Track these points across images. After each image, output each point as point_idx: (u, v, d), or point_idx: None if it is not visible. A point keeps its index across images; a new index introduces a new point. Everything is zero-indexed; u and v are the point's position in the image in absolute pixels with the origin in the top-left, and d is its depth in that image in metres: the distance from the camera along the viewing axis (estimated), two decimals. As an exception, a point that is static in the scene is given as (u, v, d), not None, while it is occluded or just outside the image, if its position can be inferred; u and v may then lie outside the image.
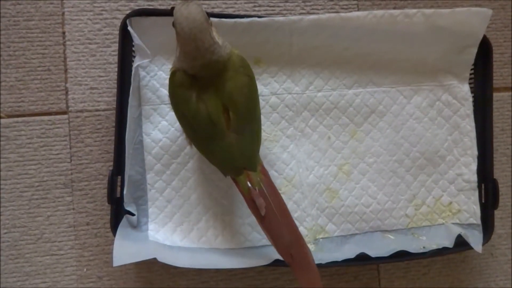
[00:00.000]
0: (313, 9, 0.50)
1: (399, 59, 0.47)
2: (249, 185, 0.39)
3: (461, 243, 0.45)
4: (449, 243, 0.45)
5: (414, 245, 0.45)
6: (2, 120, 0.46)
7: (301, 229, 0.46)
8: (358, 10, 0.50)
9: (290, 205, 0.46)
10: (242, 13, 0.48)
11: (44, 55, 0.46)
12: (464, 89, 0.49)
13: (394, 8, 0.49)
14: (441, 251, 0.45)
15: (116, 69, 0.46)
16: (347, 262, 0.43)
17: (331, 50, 0.46)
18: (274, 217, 0.39)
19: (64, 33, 0.47)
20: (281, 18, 0.44)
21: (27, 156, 0.46)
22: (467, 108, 0.48)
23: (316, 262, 0.42)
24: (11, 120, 0.46)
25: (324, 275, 0.48)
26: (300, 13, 0.49)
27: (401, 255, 0.44)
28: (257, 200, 0.38)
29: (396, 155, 0.48)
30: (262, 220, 0.39)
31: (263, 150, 0.46)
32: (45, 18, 0.47)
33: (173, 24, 0.34)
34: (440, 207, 0.48)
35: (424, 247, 0.45)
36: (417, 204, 0.48)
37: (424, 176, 0.48)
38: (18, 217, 0.46)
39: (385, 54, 0.47)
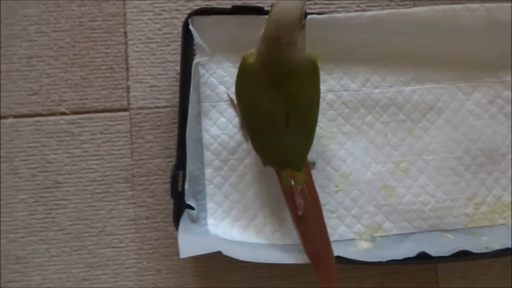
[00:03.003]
0: (368, 6, 0.50)
1: (459, 55, 0.47)
2: (292, 183, 0.40)
3: (525, 244, 0.43)
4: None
5: (475, 245, 0.44)
6: (68, 117, 0.48)
7: (358, 226, 0.46)
8: (415, 6, 0.50)
9: (347, 202, 0.46)
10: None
11: (107, 54, 0.48)
12: (527, 85, 0.47)
13: (452, 3, 0.48)
14: (505, 252, 0.43)
15: (175, 67, 0.48)
16: (407, 260, 0.42)
17: (388, 46, 0.46)
18: (309, 219, 0.40)
19: (126, 33, 0.48)
20: (340, 15, 0.44)
21: (90, 152, 0.48)
22: (530, 104, 0.47)
23: (375, 260, 0.42)
24: (75, 116, 0.48)
25: (380, 273, 0.47)
26: (355, 10, 0.49)
27: (462, 255, 0.43)
28: (297, 199, 0.39)
29: (455, 153, 0.47)
30: (298, 219, 0.40)
31: (319, 147, 0.46)
32: (108, 18, 0.48)
33: (272, 5, 0.35)
34: (501, 206, 0.47)
35: (486, 247, 0.44)
36: (477, 203, 0.47)
37: (484, 174, 0.47)
38: (81, 210, 0.47)
39: (444, 50, 0.46)
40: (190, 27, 0.42)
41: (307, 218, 0.40)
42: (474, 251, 0.43)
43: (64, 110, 0.48)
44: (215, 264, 0.47)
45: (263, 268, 0.47)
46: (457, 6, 0.44)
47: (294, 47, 0.35)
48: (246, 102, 0.39)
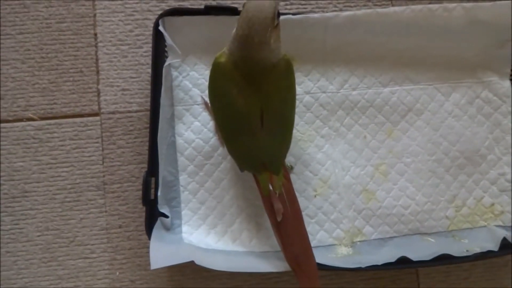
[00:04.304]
0: (345, 6, 0.49)
1: (437, 55, 0.46)
2: (270, 187, 0.39)
3: (505, 246, 0.42)
4: (493, 246, 0.43)
5: (456, 248, 0.43)
6: (35, 123, 0.46)
7: (338, 231, 0.45)
8: (393, 6, 0.49)
9: (326, 207, 0.45)
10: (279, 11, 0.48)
11: (76, 57, 0.46)
12: (505, 86, 0.47)
13: (430, 3, 0.47)
14: (486, 255, 0.42)
15: (148, 70, 0.46)
16: (387, 265, 0.41)
17: (366, 47, 0.45)
18: (289, 224, 0.39)
19: (96, 34, 0.47)
20: (316, 15, 0.43)
21: (59, 159, 0.46)
22: (509, 105, 0.47)
23: (355, 266, 0.41)
24: (43, 122, 0.46)
25: (361, 279, 0.46)
26: (333, 11, 0.48)
27: (443, 259, 0.42)
28: (276, 204, 0.38)
29: (435, 155, 0.46)
30: (277, 224, 0.39)
31: (297, 151, 0.45)
32: (77, 20, 0.47)
33: (244, 4, 0.34)
34: (482, 208, 0.46)
35: (467, 250, 0.43)
36: (458, 206, 0.46)
37: (464, 176, 0.46)
38: (51, 219, 0.45)
39: (422, 50, 0.46)
40: (160, 28, 0.41)
41: (286, 224, 0.39)
42: (455, 254, 0.42)
43: (31, 115, 0.46)
44: (191, 273, 0.45)
45: (241, 276, 0.45)
46: (434, 6, 0.43)
47: (267, 47, 0.34)
48: (219, 103, 0.38)
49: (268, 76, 0.36)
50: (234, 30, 0.35)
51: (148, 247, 0.39)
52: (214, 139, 0.45)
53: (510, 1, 0.43)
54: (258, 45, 0.33)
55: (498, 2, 0.43)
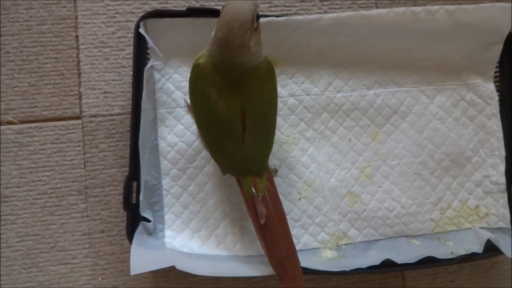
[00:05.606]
0: (330, 8, 0.49)
1: (421, 58, 0.46)
2: (253, 190, 0.38)
3: (491, 248, 0.42)
4: (478, 248, 0.43)
5: (441, 251, 0.43)
6: (15, 126, 0.45)
7: (323, 235, 0.44)
8: (377, 8, 0.49)
9: (311, 210, 0.44)
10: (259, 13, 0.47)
11: (57, 59, 0.46)
12: (490, 88, 0.47)
13: (414, 5, 0.47)
14: (471, 257, 0.42)
15: (130, 73, 0.46)
16: (372, 269, 0.41)
17: (350, 50, 0.45)
18: (273, 228, 0.38)
19: (77, 37, 0.46)
20: (299, 17, 0.43)
21: (40, 163, 0.45)
22: (493, 107, 0.47)
23: (340, 269, 0.41)
24: (24, 126, 0.45)
25: (347, 282, 0.46)
26: (318, 13, 0.48)
27: (428, 261, 0.42)
28: (259, 207, 0.38)
29: (420, 157, 0.46)
30: (261, 228, 0.39)
31: (281, 154, 0.45)
32: (58, 22, 0.46)
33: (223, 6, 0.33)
34: (467, 210, 0.46)
35: (452, 253, 0.43)
36: (443, 208, 0.46)
37: (450, 178, 0.46)
38: (31, 225, 0.44)
39: (406, 53, 0.45)
40: (141, 30, 0.41)
41: (270, 227, 0.38)
42: (440, 257, 0.42)
43: (11, 119, 0.45)
44: (176, 278, 0.45)
45: (227, 281, 0.45)
46: (417, 8, 0.43)
47: (247, 50, 0.33)
48: (200, 107, 0.37)
49: (249, 79, 0.35)
50: (214, 32, 0.34)
51: (131, 252, 0.38)
52: (197, 142, 0.44)
53: (492, 3, 0.43)
54: (238, 49, 0.33)
55: (481, 5, 0.43)
